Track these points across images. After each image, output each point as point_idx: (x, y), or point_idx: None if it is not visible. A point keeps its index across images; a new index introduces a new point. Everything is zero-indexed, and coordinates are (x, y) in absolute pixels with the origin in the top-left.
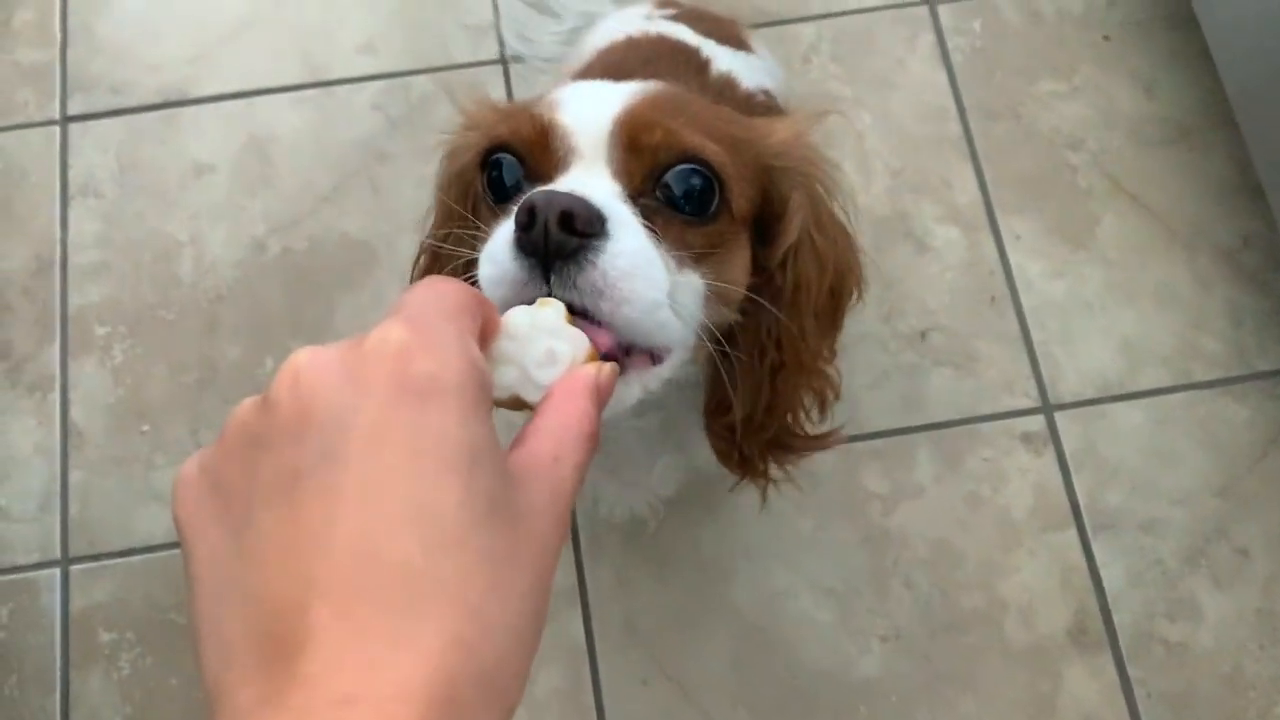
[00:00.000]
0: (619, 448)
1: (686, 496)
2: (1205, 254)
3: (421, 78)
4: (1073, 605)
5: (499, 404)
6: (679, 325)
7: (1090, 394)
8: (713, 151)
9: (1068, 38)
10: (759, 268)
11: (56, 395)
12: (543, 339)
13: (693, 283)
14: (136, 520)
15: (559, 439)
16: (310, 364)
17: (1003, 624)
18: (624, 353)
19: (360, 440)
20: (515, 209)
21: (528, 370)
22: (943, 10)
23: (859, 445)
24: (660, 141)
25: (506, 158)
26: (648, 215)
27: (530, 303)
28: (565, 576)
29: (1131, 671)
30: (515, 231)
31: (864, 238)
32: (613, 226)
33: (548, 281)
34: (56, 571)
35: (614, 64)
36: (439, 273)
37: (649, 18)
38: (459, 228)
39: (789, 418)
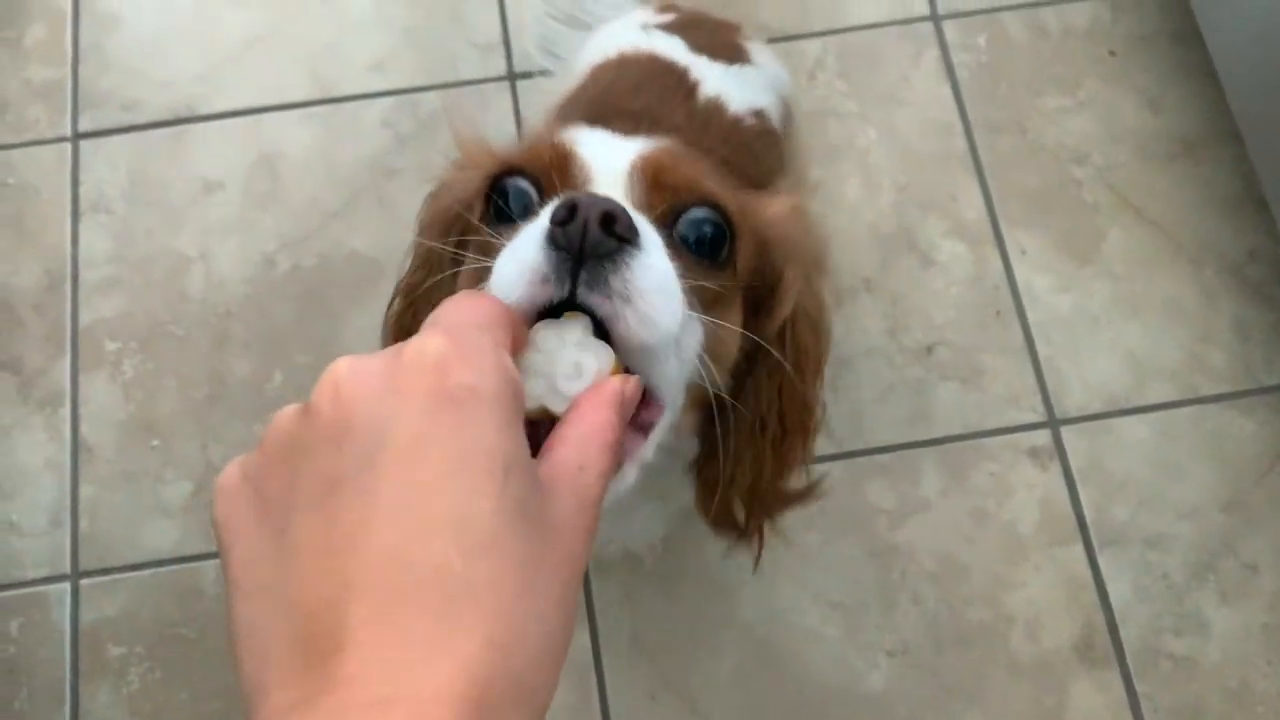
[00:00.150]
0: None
1: (690, 515)
2: (1211, 268)
3: (430, 94)
4: (1079, 620)
5: (528, 416)
6: (678, 367)
7: (1096, 408)
8: (729, 200)
9: (1073, 53)
10: (752, 341)
11: (67, 410)
12: (570, 352)
13: (695, 327)
14: (146, 535)
15: (584, 448)
16: (351, 373)
17: (1009, 638)
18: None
19: (399, 447)
20: (547, 210)
21: (555, 382)
22: (948, 26)
23: (865, 460)
24: (682, 182)
25: (517, 183)
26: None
27: (548, 305)
28: None
29: (1138, 686)
30: (550, 225)
31: (870, 252)
32: (644, 239)
33: (574, 280)
34: (66, 586)
35: (602, 89)
36: (413, 317)
37: (645, 28)
38: (438, 270)
39: (783, 481)
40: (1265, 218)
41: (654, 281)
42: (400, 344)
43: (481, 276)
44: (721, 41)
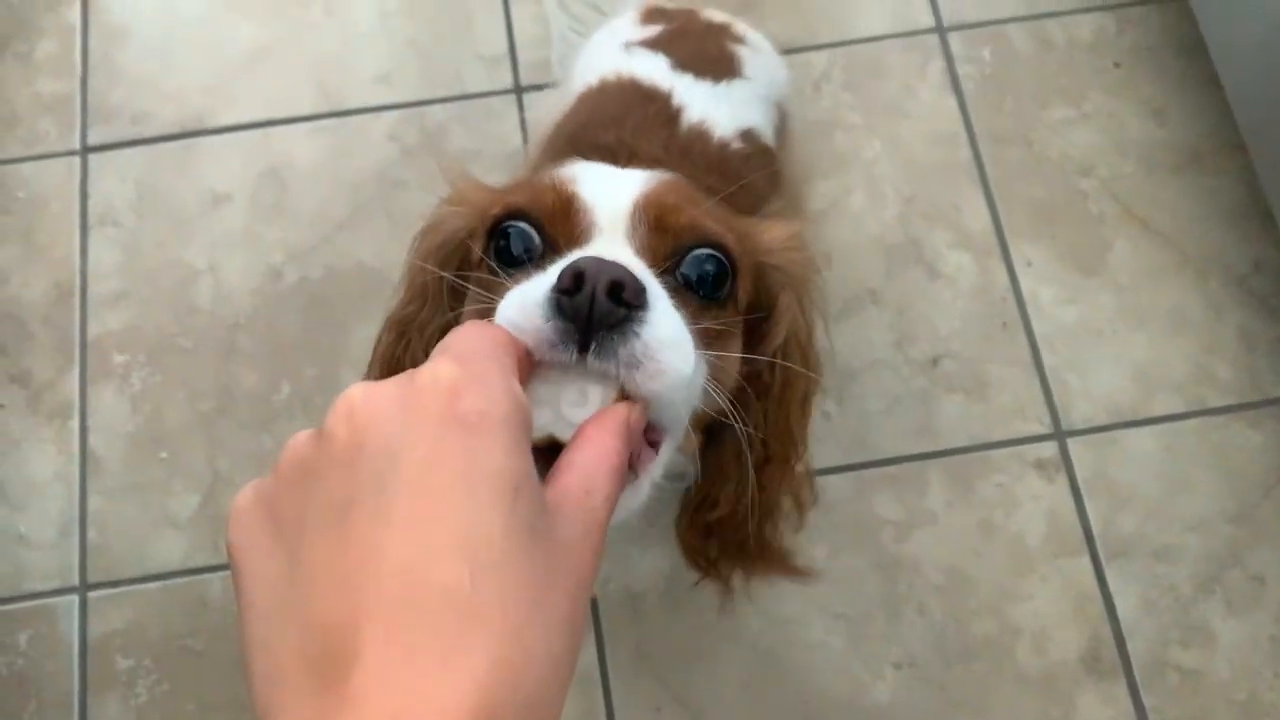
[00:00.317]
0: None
1: None
2: (1217, 279)
3: (436, 107)
4: (1086, 632)
5: (535, 444)
6: (685, 401)
7: (1103, 420)
8: (731, 239)
9: (1078, 64)
10: (745, 364)
11: (75, 422)
12: (576, 380)
13: (701, 365)
14: (154, 547)
15: (590, 473)
16: (365, 398)
17: (1016, 651)
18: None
19: (411, 469)
20: (556, 270)
21: (561, 410)
22: (953, 38)
23: (871, 472)
24: (685, 224)
25: (519, 226)
26: (668, 293)
27: (554, 364)
28: None
29: (1146, 699)
30: (554, 293)
31: (876, 264)
32: (651, 299)
33: (583, 349)
34: (75, 598)
35: (581, 122)
36: (404, 350)
37: (627, 46)
38: (434, 305)
39: (767, 525)
40: (1270, 228)
41: (665, 338)
42: (413, 370)
43: (485, 314)
44: (710, 53)
